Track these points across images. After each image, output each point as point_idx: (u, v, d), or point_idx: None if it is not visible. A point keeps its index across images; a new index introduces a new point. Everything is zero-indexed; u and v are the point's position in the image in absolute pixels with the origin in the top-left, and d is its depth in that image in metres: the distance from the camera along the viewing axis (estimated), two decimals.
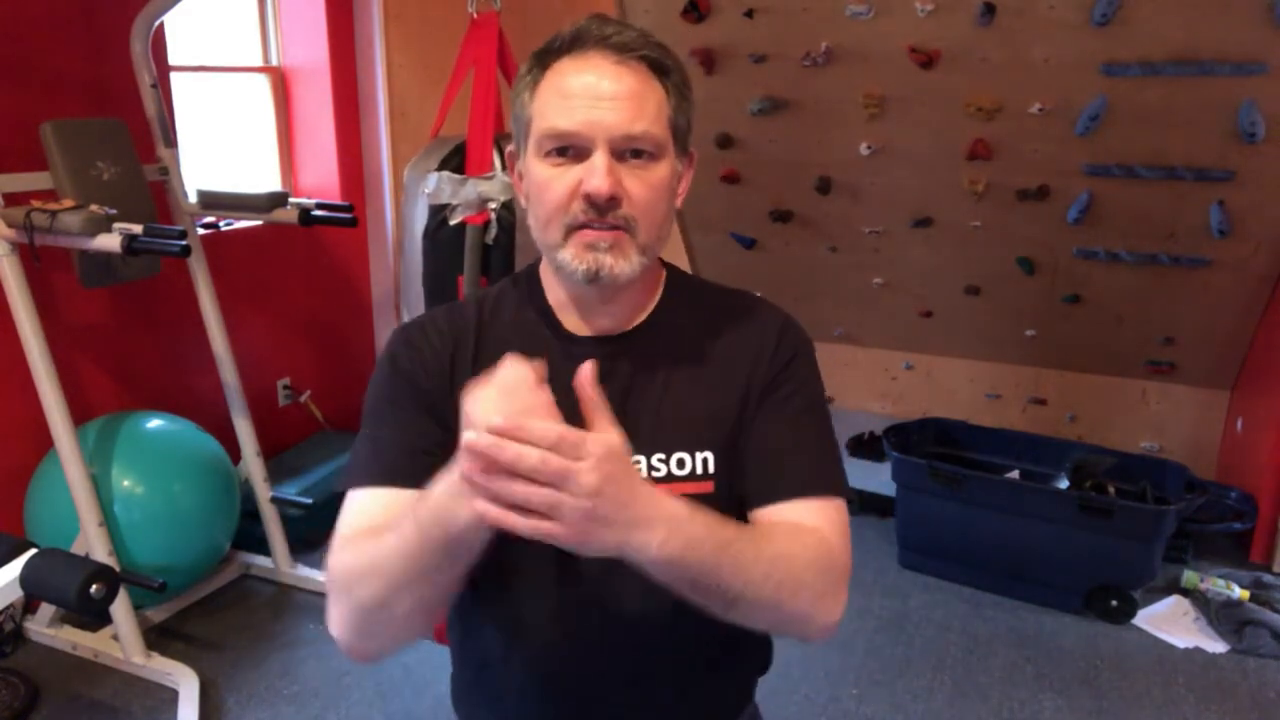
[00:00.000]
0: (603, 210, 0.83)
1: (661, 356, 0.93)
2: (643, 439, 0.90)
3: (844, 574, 0.87)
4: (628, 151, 0.84)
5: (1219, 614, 2.61)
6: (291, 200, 2.62)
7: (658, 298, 0.97)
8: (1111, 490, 2.78)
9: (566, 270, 0.87)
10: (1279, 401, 2.96)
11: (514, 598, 0.90)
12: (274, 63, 3.26)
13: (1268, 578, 2.81)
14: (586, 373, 0.71)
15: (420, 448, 0.88)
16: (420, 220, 1.87)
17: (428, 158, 1.88)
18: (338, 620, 0.82)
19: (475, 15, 1.87)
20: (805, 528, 0.86)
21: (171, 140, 2.55)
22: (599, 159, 0.83)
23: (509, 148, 0.95)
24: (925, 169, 3.12)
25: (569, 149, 0.84)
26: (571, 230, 0.85)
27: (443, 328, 0.96)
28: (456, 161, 1.87)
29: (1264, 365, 3.11)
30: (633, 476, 0.70)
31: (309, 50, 3.22)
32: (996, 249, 3.27)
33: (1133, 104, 2.67)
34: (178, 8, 2.40)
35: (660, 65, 0.87)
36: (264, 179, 3.32)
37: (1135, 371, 3.47)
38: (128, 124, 2.39)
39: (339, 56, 3.22)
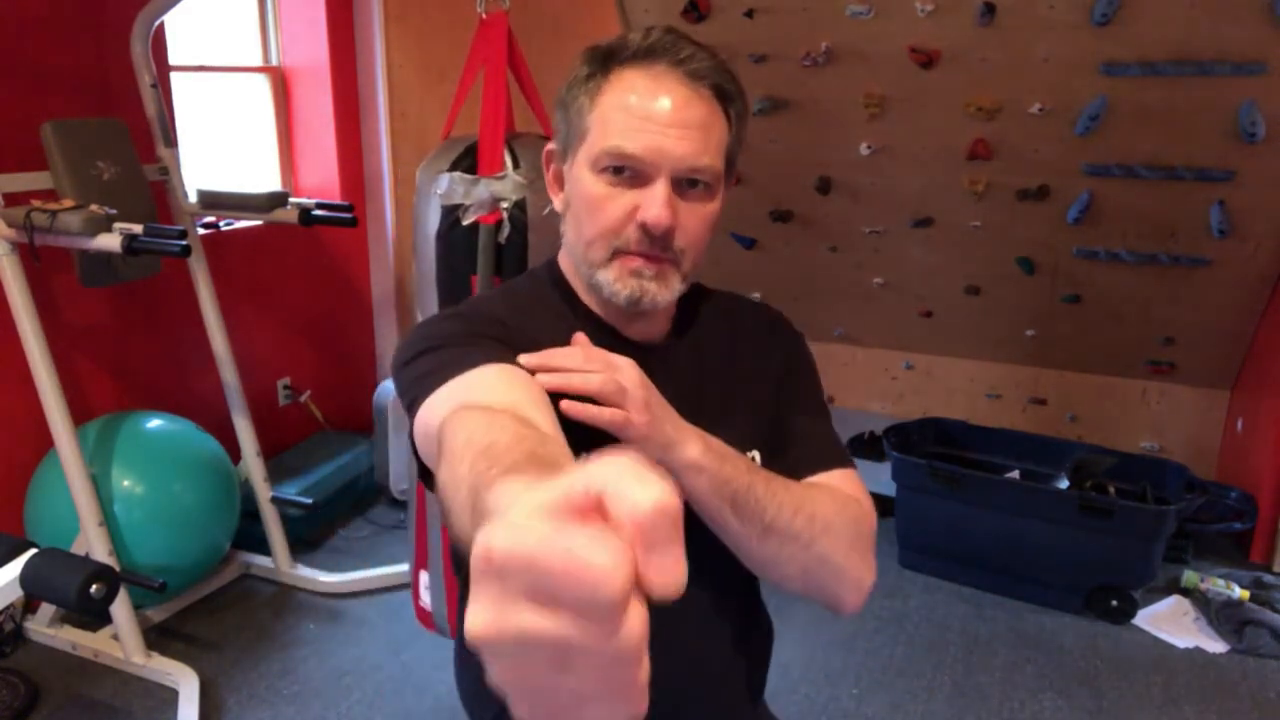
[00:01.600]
0: (657, 242, 0.83)
1: (695, 364, 0.96)
2: None
3: (872, 534, 0.92)
4: (685, 182, 0.83)
5: (1219, 614, 2.61)
6: (291, 200, 2.62)
7: (674, 309, 0.98)
8: (1112, 490, 2.78)
9: (605, 291, 0.86)
10: (1279, 402, 2.96)
11: None
12: (274, 63, 3.26)
13: (1268, 578, 2.81)
14: (581, 337, 0.82)
15: (490, 335, 0.82)
16: (432, 221, 1.88)
17: (439, 158, 1.89)
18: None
19: (484, 15, 1.87)
20: (834, 486, 0.92)
21: (171, 140, 2.55)
22: (660, 190, 0.81)
23: (549, 145, 0.93)
24: (925, 169, 3.12)
25: (627, 170, 0.82)
26: (619, 254, 0.84)
27: (481, 310, 0.92)
28: (468, 162, 1.87)
29: (1264, 365, 3.11)
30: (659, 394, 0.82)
31: (309, 50, 3.22)
32: (996, 249, 3.26)
33: (1133, 104, 2.67)
34: (178, 8, 2.40)
35: (725, 93, 0.85)
36: (264, 179, 3.31)
37: (1135, 371, 3.47)
38: (128, 124, 2.39)
39: (339, 56, 3.22)
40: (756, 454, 0.94)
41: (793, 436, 0.96)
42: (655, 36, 0.84)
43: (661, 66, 0.82)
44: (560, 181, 0.90)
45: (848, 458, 0.98)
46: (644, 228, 0.81)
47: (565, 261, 0.95)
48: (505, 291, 1.00)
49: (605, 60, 0.84)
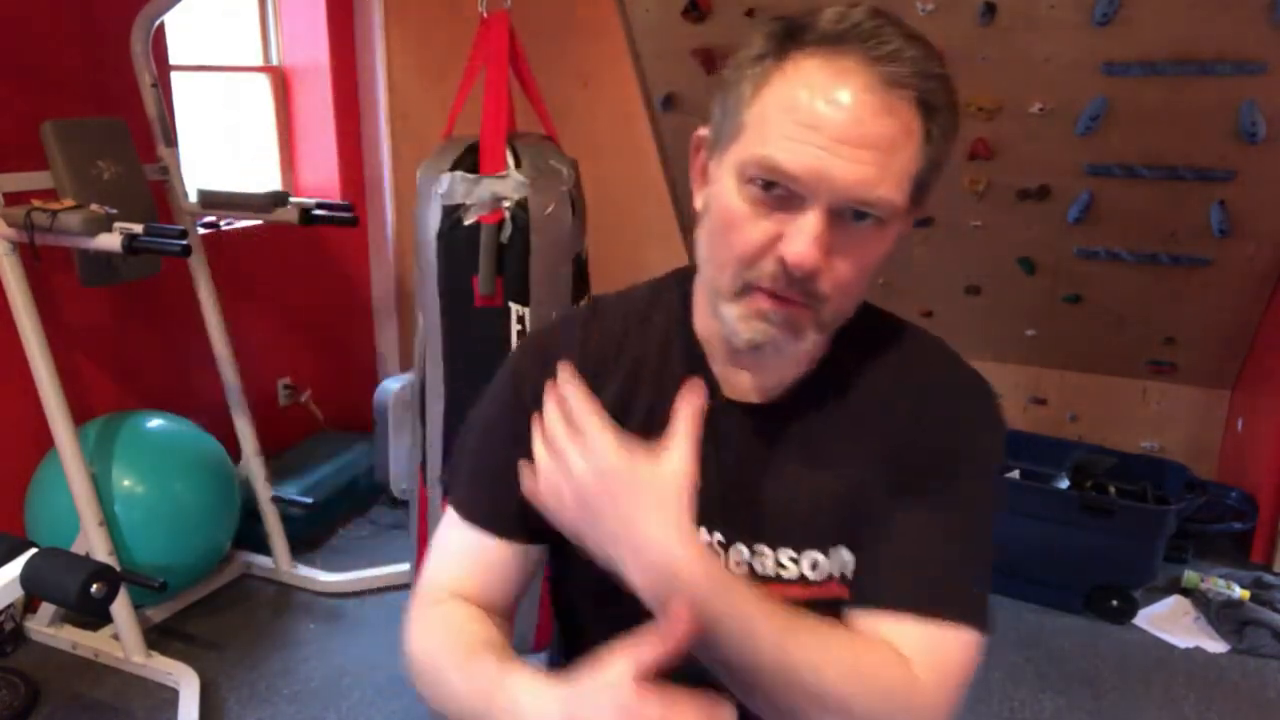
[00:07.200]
0: (795, 283, 0.67)
1: (812, 432, 0.78)
2: (771, 530, 0.78)
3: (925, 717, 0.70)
4: (850, 213, 0.66)
5: (1219, 614, 2.61)
6: (292, 200, 2.62)
7: (825, 352, 0.80)
8: (1112, 490, 2.78)
9: (726, 329, 0.73)
10: (1279, 401, 2.96)
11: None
12: (274, 63, 3.26)
13: (1268, 578, 2.81)
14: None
15: (517, 492, 0.75)
16: (433, 221, 1.87)
17: (440, 159, 1.89)
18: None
19: (486, 14, 1.87)
20: (890, 648, 0.71)
21: (172, 140, 2.55)
22: (811, 222, 0.65)
23: (698, 131, 0.77)
24: None
25: (777, 188, 0.66)
26: (750, 288, 0.70)
27: (581, 353, 0.81)
28: (469, 162, 1.88)
29: (1264, 365, 3.11)
30: (636, 497, 0.65)
31: (309, 50, 3.22)
32: (997, 249, 3.26)
33: (1133, 104, 2.67)
34: (178, 7, 2.40)
35: (929, 105, 0.67)
36: (264, 179, 3.32)
37: (1136, 371, 3.47)
38: (128, 123, 2.39)
39: (339, 56, 3.22)
40: (844, 550, 0.77)
41: (886, 552, 0.75)
42: (853, 18, 0.66)
43: (851, 60, 0.65)
44: (705, 176, 0.74)
45: (961, 608, 0.75)
46: (782, 264, 0.66)
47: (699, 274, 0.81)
48: (620, 300, 0.86)
49: (783, 39, 0.67)
